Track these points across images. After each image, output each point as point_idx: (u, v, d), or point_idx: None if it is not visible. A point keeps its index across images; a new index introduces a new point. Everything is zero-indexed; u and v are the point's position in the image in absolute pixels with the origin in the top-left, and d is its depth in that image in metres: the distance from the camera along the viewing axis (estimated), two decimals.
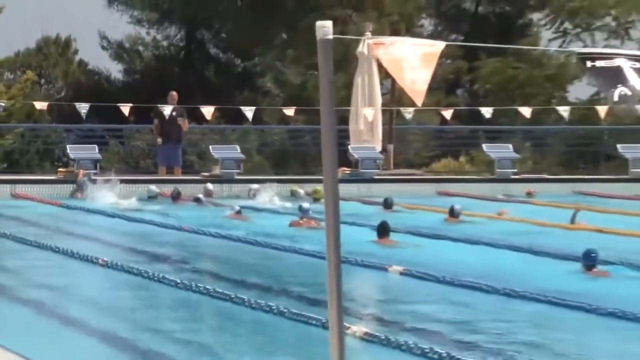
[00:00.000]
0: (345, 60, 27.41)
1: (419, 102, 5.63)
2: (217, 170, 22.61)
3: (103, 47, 38.81)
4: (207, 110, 23.69)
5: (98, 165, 21.81)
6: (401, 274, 11.23)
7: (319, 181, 17.28)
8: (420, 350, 7.54)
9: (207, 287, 10.07)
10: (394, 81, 22.96)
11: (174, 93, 23.67)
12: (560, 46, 35.26)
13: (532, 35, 37.09)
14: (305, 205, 16.17)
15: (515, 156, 24.34)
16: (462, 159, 29.62)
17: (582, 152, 29.52)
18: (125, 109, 23.05)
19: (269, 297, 9.62)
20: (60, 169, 22.70)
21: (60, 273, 11.71)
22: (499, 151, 24.41)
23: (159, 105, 23.17)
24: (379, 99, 24.31)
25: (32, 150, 27.76)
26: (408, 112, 24.70)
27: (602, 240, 13.55)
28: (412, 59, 5.38)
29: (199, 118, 25.18)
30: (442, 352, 7.42)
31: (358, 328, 8.06)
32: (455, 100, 35.80)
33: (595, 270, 11.07)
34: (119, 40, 38.86)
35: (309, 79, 34.00)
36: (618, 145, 25.10)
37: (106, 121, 28.05)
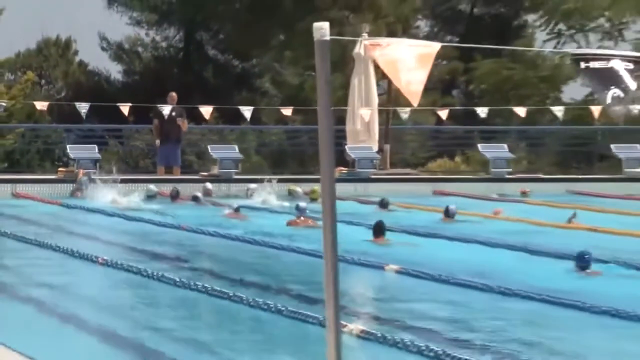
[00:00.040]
0: (342, 61, 27.45)
1: (415, 102, 5.68)
2: (215, 170, 22.65)
3: (103, 48, 38.79)
4: (206, 111, 23.67)
5: (98, 164, 21.87)
6: (397, 272, 11.27)
7: (316, 181, 17.34)
8: (416, 347, 7.59)
9: (206, 285, 10.11)
10: (390, 82, 22.97)
11: (174, 94, 23.69)
12: (555, 47, 35.25)
13: (526, 37, 37.03)
14: (302, 204, 16.26)
15: (510, 156, 24.32)
16: (457, 158, 29.62)
17: (576, 152, 29.51)
18: (125, 109, 23.02)
19: (267, 296, 9.66)
20: (60, 169, 22.64)
21: (61, 272, 11.74)
22: (494, 151, 24.41)
23: (159, 106, 23.21)
24: (375, 100, 24.33)
25: (33, 150, 27.76)
26: (404, 113, 24.69)
27: (595, 240, 13.63)
28: (408, 60, 5.40)
29: (198, 118, 25.20)
30: (438, 349, 7.48)
31: (355, 326, 8.11)
32: (450, 100, 35.78)
33: (588, 270, 11.14)
34: (119, 41, 38.78)
35: (306, 79, 34.05)
36: (612, 145, 25.08)
37: (106, 121, 28.02)
